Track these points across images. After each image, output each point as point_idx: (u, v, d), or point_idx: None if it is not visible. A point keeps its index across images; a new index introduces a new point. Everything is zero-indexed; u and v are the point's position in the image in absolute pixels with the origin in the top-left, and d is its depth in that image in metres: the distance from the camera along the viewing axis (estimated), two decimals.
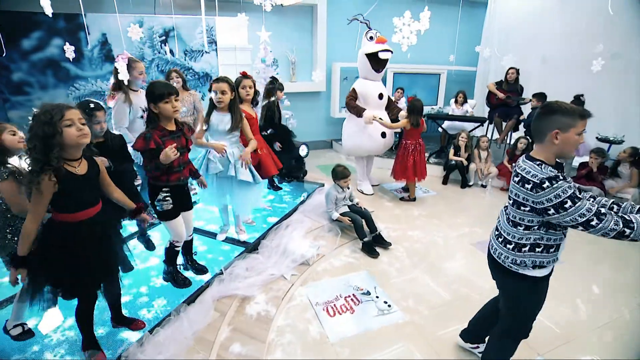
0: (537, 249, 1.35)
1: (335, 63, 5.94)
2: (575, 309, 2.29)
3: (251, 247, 2.77)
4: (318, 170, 4.84)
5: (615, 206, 1.39)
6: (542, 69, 5.56)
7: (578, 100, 4.28)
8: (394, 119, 4.04)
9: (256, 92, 2.85)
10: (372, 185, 4.41)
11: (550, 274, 1.46)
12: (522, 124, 4.86)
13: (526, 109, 4.90)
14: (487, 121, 5.16)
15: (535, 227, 1.33)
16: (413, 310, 2.32)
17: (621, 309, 2.27)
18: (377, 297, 2.49)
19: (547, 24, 5.34)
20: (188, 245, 2.37)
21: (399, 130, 3.94)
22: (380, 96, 3.95)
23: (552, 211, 1.24)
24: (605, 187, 3.83)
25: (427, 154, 5.04)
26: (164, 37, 4.41)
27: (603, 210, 1.22)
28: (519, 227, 1.36)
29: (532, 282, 1.39)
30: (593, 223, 1.22)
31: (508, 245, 1.41)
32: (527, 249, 1.35)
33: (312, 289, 2.60)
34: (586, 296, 2.41)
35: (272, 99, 3.59)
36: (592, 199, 1.41)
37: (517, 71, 4.91)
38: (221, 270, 2.43)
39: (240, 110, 2.44)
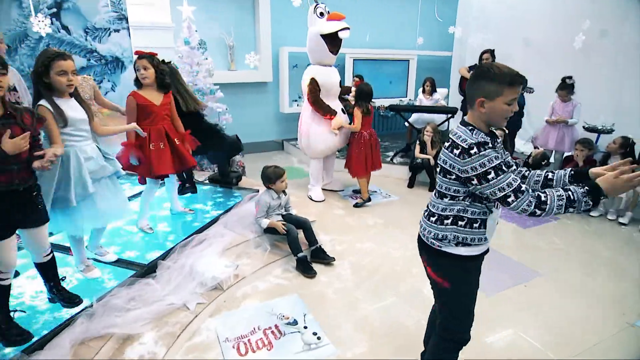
0: (460, 222, 1.44)
1: (283, 48, 5.85)
2: (564, 327, 2.31)
3: (142, 272, 2.51)
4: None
5: (550, 174, 1.48)
6: (525, 52, 5.68)
7: (564, 82, 4.33)
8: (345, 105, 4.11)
9: (161, 73, 2.78)
10: (336, 191, 4.33)
11: (479, 260, 1.52)
12: None
13: None
14: (461, 112, 5.26)
15: (461, 198, 1.43)
16: (349, 342, 2.18)
17: (611, 328, 2.32)
18: (305, 327, 2.30)
19: (531, 2, 5.50)
20: (48, 268, 2.08)
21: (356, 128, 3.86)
22: (341, 84, 4.00)
23: (475, 181, 1.32)
24: None
25: (391, 153, 5.24)
26: (54, 9, 4.14)
27: (523, 187, 1.30)
28: (444, 198, 1.46)
29: (456, 261, 1.46)
30: (510, 200, 1.30)
31: (432, 218, 1.51)
32: (449, 221, 1.45)
33: (224, 320, 2.37)
34: (575, 312, 2.44)
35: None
36: (519, 173, 1.49)
37: (492, 53, 4.97)
38: (91, 303, 2.15)
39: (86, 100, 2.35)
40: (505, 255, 3.11)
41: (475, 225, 1.45)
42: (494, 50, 4.99)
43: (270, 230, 3.00)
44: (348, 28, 3.73)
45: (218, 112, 4.56)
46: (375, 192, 4.37)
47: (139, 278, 2.45)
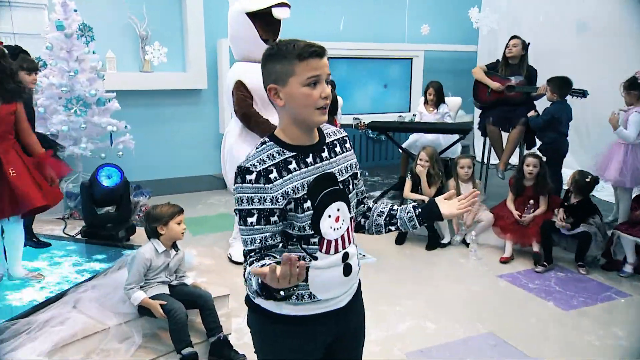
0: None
1: (223, 40, 5.78)
2: None
3: None
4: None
5: (395, 207, 1.76)
6: (578, 41, 5.69)
7: (635, 82, 4.27)
8: None
9: (2, 71, 2.80)
10: None
11: (303, 323, 1.59)
12: (535, 131, 4.86)
13: (541, 106, 4.96)
14: (479, 131, 5.28)
15: None
16: None
17: None
18: None
19: None
20: None
21: None
22: None
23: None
24: None
25: (378, 192, 5.35)
26: None
27: (252, 258, 1.46)
28: None
29: (266, 319, 1.59)
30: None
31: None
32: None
33: None
34: None
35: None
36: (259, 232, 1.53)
37: (524, 44, 4.95)
38: None
39: None
40: None
41: None
42: (525, 41, 4.98)
43: (146, 311, 2.81)
44: (286, 4, 3.70)
45: (110, 132, 4.46)
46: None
47: None
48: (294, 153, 1.47)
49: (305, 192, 1.46)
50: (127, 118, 4.71)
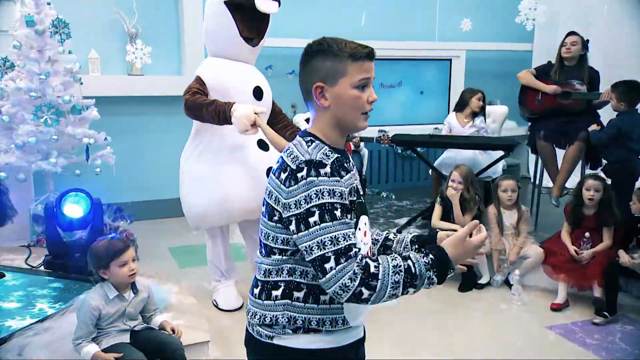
0: (296, 294, 1.56)
1: None
2: None
3: None
4: (168, 257, 5.00)
5: (392, 234, 1.82)
6: None
7: None
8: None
9: None
10: None
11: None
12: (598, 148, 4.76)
13: (606, 117, 4.95)
14: (527, 147, 5.32)
15: (290, 252, 1.58)
16: None
17: None
18: None
19: None
20: None
21: None
22: (258, 93, 3.87)
23: (293, 225, 1.48)
24: None
25: (405, 219, 5.36)
26: None
27: (354, 250, 1.44)
28: (272, 256, 1.61)
29: None
30: (327, 265, 1.43)
31: (255, 291, 1.65)
32: (279, 292, 1.58)
33: None
34: None
35: None
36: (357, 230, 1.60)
37: (583, 41, 4.87)
38: None
39: None
40: None
41: (325, 300, 1.56)
42: (584, 38, 4.89)
43: None
44: None
45: (87, 145, 4.43)
46: None
47: None
48: (339, 155, 1.53)
49: (355, 197, 1.54)
50: (110, 128, 4.67)
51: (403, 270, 1.40)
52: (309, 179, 1.44)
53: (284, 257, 1.57)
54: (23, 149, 4.18)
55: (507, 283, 4.34)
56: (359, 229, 1.56)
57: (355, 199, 1.53)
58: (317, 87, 1.53)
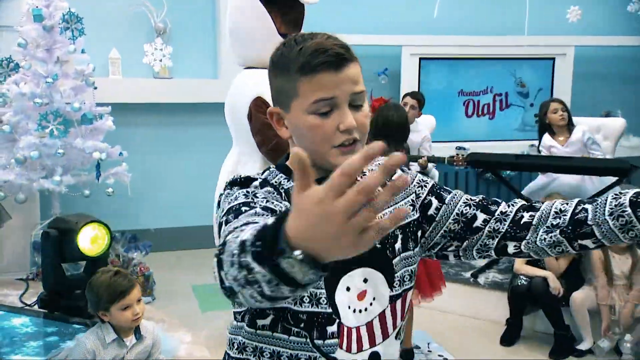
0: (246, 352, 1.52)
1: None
2: None
3: None
4: (188, 296, 5.04)
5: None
6: None
7: None
8: None
9: None
10: None
11: None
12: None
13: None
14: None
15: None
16: None
17: None
18: None
19: None
20: None
21: None
22: None
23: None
24: None
25: (483, 262, 5.20)
26: None
27: (241, 221, 1.26)
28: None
29: None
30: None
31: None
32: (236, 344, 1.54)
33: None
34: None
35: None
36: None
37: None
38: None
39: None
40: None
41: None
42: None
43: None
44: None
45: (97, 162, 4.47)
46: (418, 348, 4.18)
47: None
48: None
49: None
50: (127, 141, 4.75)
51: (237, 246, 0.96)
52: (226, 192, 1.43)
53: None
54: (24, 164, 4.23)
55: (616, 351, 4.14)
56: (347, 289, 1.40)
57: None
58: (272, 113, 1.45)
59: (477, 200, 1.48)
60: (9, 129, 4.29)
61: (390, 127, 3.70)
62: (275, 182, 1.46)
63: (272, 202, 1.34)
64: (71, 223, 3.84)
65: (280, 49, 1.39)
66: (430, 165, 5.26)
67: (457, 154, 5.03)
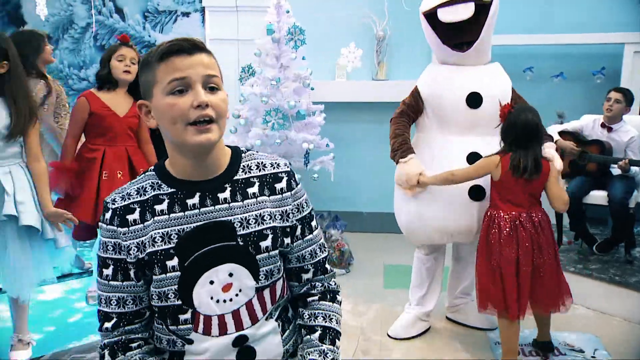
0: None
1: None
2: None
3: None
4: (379, 273, 5.13)
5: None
6: None
7: None
8: None
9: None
10: (471, 328, 4.18)
11: None
12: None
13: None
14: None
15: None
16: None
17: None
18: None
19: None
20: None
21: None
22: (474, 100, 3.74)
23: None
24: None
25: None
26: None
27: (108, 326, 1.56)
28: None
29: None
30: None
31: None
32: None
33: None
34: None
35: None
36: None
37: None
38: None
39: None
40: None
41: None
42: None
43: None
44: (454, 1, 3.52)
45: (307, 150, 4.92)
46: (582, 352, 3.88)
47: None
48: (172, 190, 1.48)
49: (172, 245, 1.45)
50: (337, 135, 5.19)
51: None
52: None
53: None
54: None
55: None
56: (210, 282, 1.47)
57: (167, 249, 1.44)
58: (140, 105, 1.50)
59: (315, 260, 1.67)
60: (244, 122, 5.01)
61: (522, 123, 3.36)
62: (140, 188, 1.50)
63: (119, 251, 1.48)
64: None
65: (150, 50, 1.47)
66: (637, 169, 4.87)
67: (624, 161, 4.68)
